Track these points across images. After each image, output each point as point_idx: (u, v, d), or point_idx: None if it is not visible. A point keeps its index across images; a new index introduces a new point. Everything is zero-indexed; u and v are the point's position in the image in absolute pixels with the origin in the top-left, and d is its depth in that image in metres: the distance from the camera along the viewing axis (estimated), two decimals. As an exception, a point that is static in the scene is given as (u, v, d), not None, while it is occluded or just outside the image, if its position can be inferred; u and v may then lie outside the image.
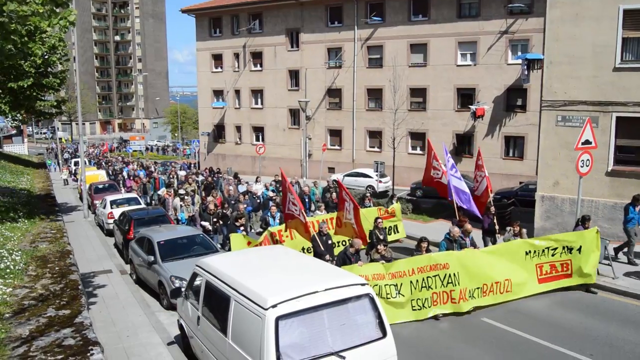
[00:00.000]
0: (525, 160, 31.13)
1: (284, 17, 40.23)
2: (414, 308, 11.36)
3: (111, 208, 21.37)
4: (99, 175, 32.94)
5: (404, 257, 13.00)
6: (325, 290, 7.02)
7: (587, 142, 14.78)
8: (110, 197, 22.53)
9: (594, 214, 16.60)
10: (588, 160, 14.71)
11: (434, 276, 11.49)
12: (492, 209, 15.96)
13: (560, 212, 17.82)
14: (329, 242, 13.44)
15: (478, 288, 11.85)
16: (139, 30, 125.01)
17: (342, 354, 6.74)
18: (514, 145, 32.05)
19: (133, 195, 24.57)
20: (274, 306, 6.64)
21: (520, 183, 28.17)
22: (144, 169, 40.47)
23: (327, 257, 12.42)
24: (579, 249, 12.68)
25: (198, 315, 8.74)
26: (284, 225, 14.97)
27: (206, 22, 45.19)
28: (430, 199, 26.07)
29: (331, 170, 37.75)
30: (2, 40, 10.72)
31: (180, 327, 9.95)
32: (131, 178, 34.09)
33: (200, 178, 30.60)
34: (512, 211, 21.03)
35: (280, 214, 16.53)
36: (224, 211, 17.66)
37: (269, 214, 17.27)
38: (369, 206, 18.60)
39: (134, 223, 17.16)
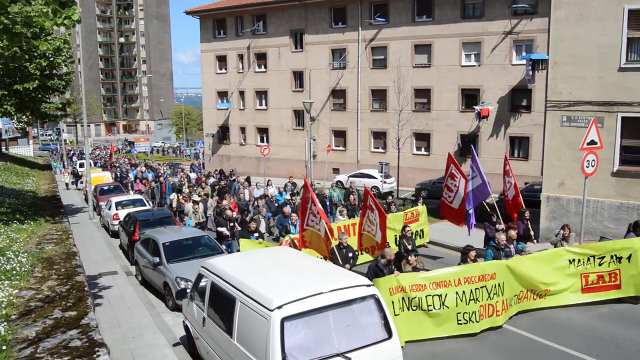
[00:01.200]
0: (530, 160, 31.05)
1: (288, 18, 40.27)
2: (459, 322, 10.44)
3: (116, 209, 21.43)
4: (104, 177, 33.03)
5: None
6: (331, 291, 7.03)
7: (592, 142, 14.72)
8: (115, 199, 22.59)
9: (599, 214, 16.56)
10: (593, 160, 14.65)
11: (482, 287, 10.62)
12: (527, 213, 15.30)
13: (565, 213, 17.77)
14: (349, 254, 12.46)
15: (515, 295, 11.21)
16: (143, 32, 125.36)
17: (347, 355, 6.73)
18: (519, 146, 31.97)
19: (138, 196, 24.58)
20: (279, 307, 6.65)
21: (526, 183, 28.07)
22: (152, 170, 38.86)
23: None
24: (629, 258, 11.72)
25: (203, 317, 8.75)
26: (307, 232, 13.91)
27: (210, 23, 45.26)
28: (435, 199, 25.99)
29: (336, 171, 37.74)
30: (8, 42, 10.77)
31: (186, 328, 9.97)
32: (138, 181, 32.73)
33: (211, 181, 29.66)
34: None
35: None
36: (242, 216, 17.08)
37: (289, 221, 16.16)
38: (394, 212, 17.69)
39: (139, 224, 17.19)
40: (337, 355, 6.70)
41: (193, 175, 33.69)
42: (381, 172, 28.58)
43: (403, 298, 10.14)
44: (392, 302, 9.93)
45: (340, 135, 39.33)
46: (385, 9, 35.31)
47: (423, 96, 34.62)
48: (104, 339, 8.45)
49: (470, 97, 33.07)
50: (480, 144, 32.64)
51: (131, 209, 20.45)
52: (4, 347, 7.44)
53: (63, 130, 57.99)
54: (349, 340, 6.88)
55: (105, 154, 69.14)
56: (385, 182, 30.45)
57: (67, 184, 39.23)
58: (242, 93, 44.44)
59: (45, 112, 34.16)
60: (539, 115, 28.10)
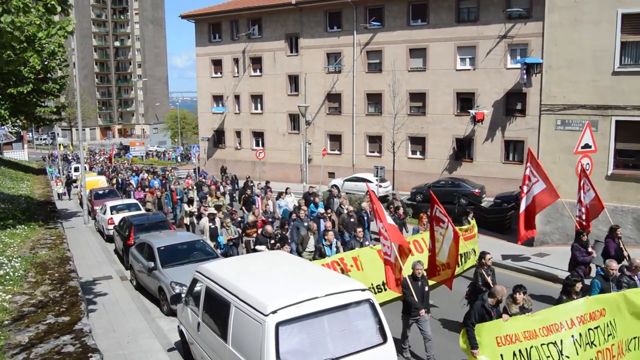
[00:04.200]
0: (525, 164, 31.04)
1: (283, 22, 40.31)
2: None
3: (111, 214, 21.35)
4: (99, 181, 32.96)
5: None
6: (326, 295, 7.00)
7: (586, 146, 14.82)
8: (110, 203, 22.51)
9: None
10: (588, 164, 14.73)
11: (595, 328, 8.58)
12: (619, 231, 12.91)
13: (560, 217, 17.80)
14: (426, 288, 10.00)
15: (635, 338, 8.93)
16: (138, 36, 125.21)
17: (342, 359, 6.71)
18: (514, 150, 32.03)
19: (133, 200, 24.48)
20: (274, 312, 6.63)
21: (520, 187, 28.11)
22: (158, 177, 34.82)
23: (422, 311, 9.58)
24: None
25: (198, 321, 8.72)
26: (348, 253, 12.04)
27: (205, 27, 45.27)
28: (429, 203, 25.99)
29: (331, 175, 37.74)
30: (0, 49, 10.74)
31: (181, 333, 9.93)
32: (140, 189, 29.71)
33: (228, 189, 26.62)
34: (512, 215, 21.04)
35: (337, 241, 13.82)
36: (283, 232, 14.86)
37: (323, 241, 13.53)
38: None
39: (134, 229, 17.14)
40: (332, 359, 6.68)
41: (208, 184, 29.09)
42: (377, 176, 28.52)
43: (518, 351, 7.97)
44: (502, 355, 7.93)
45: (335, 139, 39.34)
46: (380, 13, 35.38)
47: (418, 100, 34.67)
48: (99, 344, 8.42)
49: (465, 101, 33.14)
50: (475, 147, 32.72)
51: (126, 214, 20.38)
52: (-3, 353, 7.41)
53: (58, 134, 57.75)
54: (344, 344, 6.87)
55: (105, 159, 67.94)
56: (380, 186, 30.45)
57: (59, 195, 36.26)
58: (237, 97, 44.43)
59: (40, 116, 34.05)
60: (534, 119, 28.15)
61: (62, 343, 8.02)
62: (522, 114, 31.09)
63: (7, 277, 11.27)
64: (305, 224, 15.51)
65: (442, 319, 11.82)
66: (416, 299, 9.54)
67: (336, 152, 39.14)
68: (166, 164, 67.29)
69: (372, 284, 10.77)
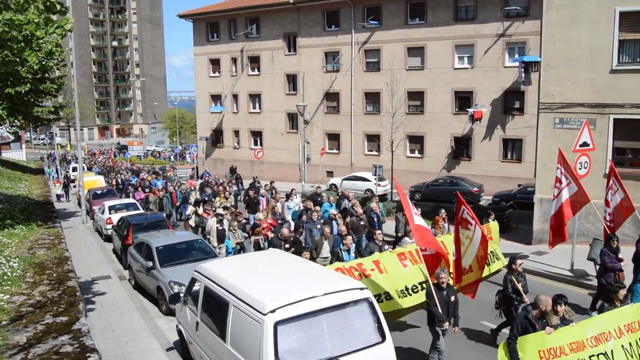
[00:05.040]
0: (523, 162, 31.15)
1: (281, 21, 40.29)
2: None
3: (110, 213, 21.32)
4: (97, 181, 32.90)
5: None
6: (324, 294, 7.00)
7: (584, 144, 14.81)
8: (108, 203, 22.48)
9: (592, 216, 16.59)
10: (586, 162, 14.74)
11: None
12: None
13: (558, 215, 17.78)
14: (452, 298, 9.20)
15: None
16: (136, 35, 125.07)
17: (341, 358, 6.71)
18: (512, 148, 32.07)
19: (132, 200, 24.42)
20: (272, 311, 6.62)
21: (519, 186, 28.17)
22: (162, 177, 33.35)
23: (446, 324, 8.86)
24: None
25: (197, 321, 8.71)
26: (368, 258, 10.75)
27: (203, 27, 45.23)
28: (429, 202, 26.05)
29: (330, 174, 37.75)
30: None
31: (179, 332, 9.91)
32: (140, 189, 28.25)
33: (234, 189, 25.45)
34: (510, 214, 21.06)
35: (354, 245, 13.16)
36: (297, 236, 14.12)
37: (341, 246, 12.76)
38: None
39: (132, 228, 17.12)
40: (331, 358, 6.67)
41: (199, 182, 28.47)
42: (375, 175, 28.55)
43: None
44: None
45: (333, 138, 39.35)
46: (378, 12, 35.38)
47: (416, 99, 34.70)
48: (97, 344, 8.41)
49: (463, 100, 33.17)
50: (474, 146, 32.74)
51: (124, 213, 20.36)
52: (-5, 354, 7.40)
53: (56, 134, 57.63)
54: (342, 343, 6.86)
55: (105, 158, 66.47)
56: (379, 185, 30.46)
57: (57, 196, 34.81)
58: (235, 96, 44.40)
59: (38, 116, 33.94)
60: (532, 117, 28.21)
61: (60, 343, 8.01)
62: (520, 113, 31.12)
63: (5, 277, 11.26)
64: (318, 226, 14.88)
65: (465, 328, 10.93)
66: (440, 310, 8.86)
67: (334, 151, 39.14)
68: (163, 163, 67.14)
69: (396, 288, 9.91)
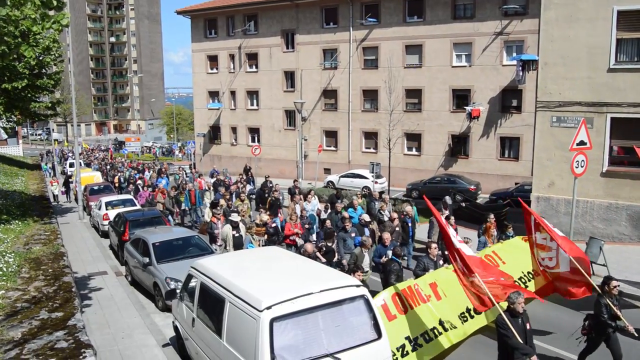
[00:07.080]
0: (520, 161, 31.18)
1: (279, 18, 40.21)
2: None
3: (106, 209, 21.28)
4: (94, 177, 32.84)
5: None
6: (320, 291, 6.99)
7: (582, 142, 14.81)
8: (105, 199, 22.44)
9: (589, 214, 16.65)
10: (583, 161, 14.74)
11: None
12: None
13: (555, 213, 17.84)
14: (528, 326, 7.61)
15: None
16: (134, 31, 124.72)
17: (337, 355, 6.70)
18: (510, 146, 32.10)
19: (128, 196, 24.35)
20: (268, 308, 6.61)
21: (516, 184, 28.22)
22: (165, 175, 31.07)
23: (534, 358, 7.37)
24: None
25: (193, 317, 8.70)
26: (423, 278, 9.18)
27: (201, 23, 45.13)
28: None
29: (327, 171, 37.73)
30: None
31: (175, 328, 9.91)
32: (146, 188, 26.18)
33: (248, 189, 23.79)
34: (507, 212, 21.09)
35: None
36: (329, 244, 12.69)
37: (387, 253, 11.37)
38: (511, 235, 12.75)
39: (129, 224, 17.08)
40: (327, 355, 6.67)
41: (211, 180, 26.68)
42: (372, 172, 28.59)
43: None
44: None
45: (331, 135, 39.32)
46: (377, 10, 35.33)
47: (414, 96, 34.69)
48: (93, 340, 8.40)
49: (461, 98, 33.17)
50: (471, 144, 32.77)
51: (121, 209, 20.33)
52: (-11, 349, 7.39)
53: (53, 130, 57.50)
54: (339, 340, 6.86)
55: (105, 156, 64.96)
56: (376, 182, 30.49)
57: (55, 196, 31.04)
58: (233, 93, 44.34)
59: (35, 111, 33.89)
60: (529, 115, 28.24)
61: (56, 339, 8.00)
62: (517, 111, 31.13)
63: (1, 272, 11.24)
64: (353, 234, 13.37)
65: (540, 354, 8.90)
66: (520, 340, 7.27)
67: (332, 148, 39.13)
68: (149, 157, 66.81)
69: (459, 312, 8.66)
